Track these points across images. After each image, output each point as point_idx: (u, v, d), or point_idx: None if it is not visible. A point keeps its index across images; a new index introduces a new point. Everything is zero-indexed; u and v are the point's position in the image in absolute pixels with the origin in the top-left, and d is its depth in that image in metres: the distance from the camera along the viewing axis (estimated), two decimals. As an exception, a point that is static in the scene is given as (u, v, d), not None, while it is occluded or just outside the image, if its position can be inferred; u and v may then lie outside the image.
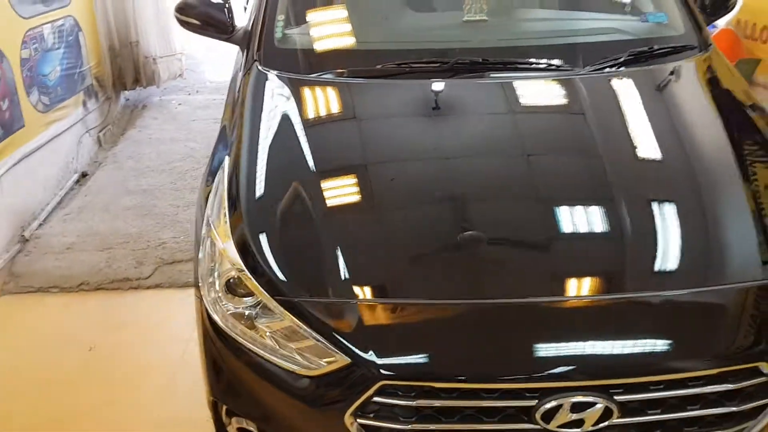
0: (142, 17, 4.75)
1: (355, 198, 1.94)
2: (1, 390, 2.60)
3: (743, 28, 4.45)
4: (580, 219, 1.89)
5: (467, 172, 2.00)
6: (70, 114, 4.04)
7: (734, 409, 1.62)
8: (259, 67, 2.33)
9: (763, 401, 1.64)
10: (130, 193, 3.91)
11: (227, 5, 2.59)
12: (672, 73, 2.34)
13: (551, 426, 1.56)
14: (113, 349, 2.80)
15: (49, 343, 2.84)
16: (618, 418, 1.57)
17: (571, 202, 1.89)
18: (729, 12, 2.80)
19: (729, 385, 1.60)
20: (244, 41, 2.54)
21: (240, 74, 2.44)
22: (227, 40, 2.62)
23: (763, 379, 1.61)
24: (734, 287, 1.70)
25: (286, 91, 2.25)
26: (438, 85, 2.28)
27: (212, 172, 2.16)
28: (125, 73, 4.86)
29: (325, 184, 1.92)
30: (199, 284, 1.86)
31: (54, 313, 3.04)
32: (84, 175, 4.17)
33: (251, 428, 1.84)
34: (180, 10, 2.63)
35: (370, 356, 1.58)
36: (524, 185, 1.96)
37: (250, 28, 2.54)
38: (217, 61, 6.14)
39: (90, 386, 2.60)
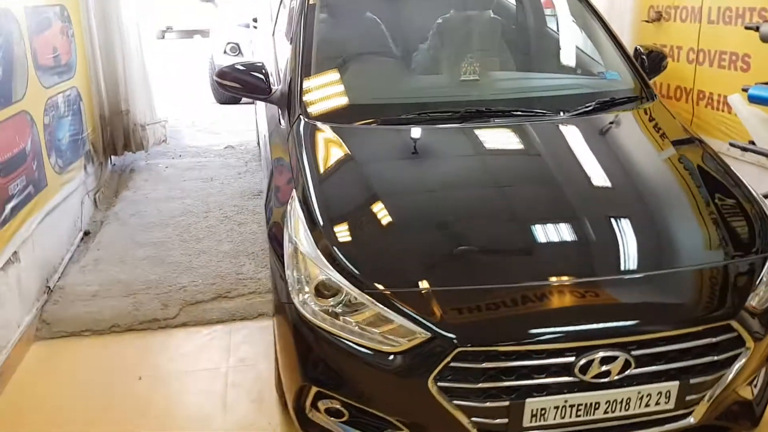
0: (132, 88, 5.16)
1: (409, 214, 2.43)
2: (68, 424, 2.84)
3: (660, 88, 5.26)
4: (613, 223, 2.42)
5: (496, 196, 2.55)
6: (76, 176, 4.35)
7: (716, 358, 2.15)
8: (305, 120, 2.81)
9: (735, 352, 2.18)
10: (141, 245, 4.23)
11: (264, 71, 3.07)
12: (630, 119, 2.98)
13: (587, 377, 2.05)
14: (161, 378, 3.08)
15: (98, 378, 3.08)
16: (634, 369, 2.07)
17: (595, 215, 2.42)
18: (662, 71, 3.50)
19: (711, 339, 2.14)
20: (282, 100, 3.02)
21: (284, 127, 2.92)
22: (266, 100, 3.10)
23: (734, 334, 2.16)
24: (704, 267, 2.27)
25: (332, 136, 2.74)
26: (450, 129, 2.83)
27: (271, 208, 2.66)
28: (116, 140, 5.21)
29: (383, 205, 2.40)
30: (289, 292, 2.27)
31: (93, 353, 3.28)
32: (87, 233, 4.45)
33: (337, 406, 2.24)
34: (220, 75, 3.08)
35: (448, 330, 2.03)
36: (546, 203, 2.50)
37: (287, 89, 3.01)
38: (192, 129, 6.60)
39: (148, 410, 2.87)
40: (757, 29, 3.88)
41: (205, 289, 3.74)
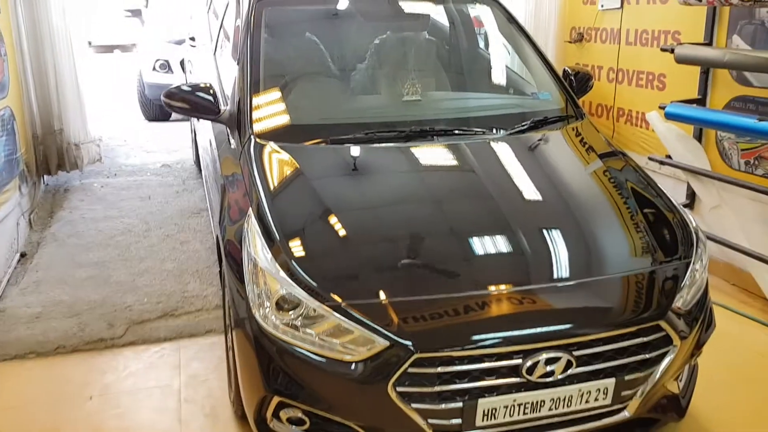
0: (66, 107, 5.09)
1: (363, 228, 2.56)
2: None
3: (582, 106, 5.56)
4: (559, 236, 2.60)
5: (444, 211, 2.71)
6: (11, 197, 4.27)
7: (647, 356, 2.35)
8: (256, 140, 2.90)
9: (664, 350, 2.39)
10: (82, 266, 4.19)
11: (212, 91, 3.13)
12: (564, 136, 3.19)
13: (533, 377, 2.21)
14: (112, 397, 3.07)
15: (46, 399, 3.05)
16: (576, 368, 2.25)
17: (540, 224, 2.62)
18: (588, 91, 3.74)
19: (643, 338, 2.34)
20: (232, 120, 3.09)
21: (234, 146, 3.00)
22: (214, 120, 3.17)
23: (662, 333, 2.37)
24: (635, 273, 2.48)
25: (284, 155, 2.84)
26: (397, 148, 2.97)
27: (225, 226, 2.74)
28: (49, 159, 5.13)
29: (337, 220, 2.52)
30: (250, 307, 2.35)
31: (40, 376, 3.23)
32: (23, 255, 4.37)
33: (299, 415, 2.32)
34: (168, 95, 3.13)
35: (406, 338, 2.15)
36: (495, 217, 2.66)
37: (236, 110, 3.09)
38: (125, 147, 6.53)
39: (101, 430, 2.86)
40: (672, 51, 4.19)
41: (151, 308, 3.75)
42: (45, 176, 5.34)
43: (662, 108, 4.22)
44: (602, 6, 5.17)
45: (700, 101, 4.30)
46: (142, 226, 4.83)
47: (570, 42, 5.60)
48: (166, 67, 8.20)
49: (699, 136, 4.37)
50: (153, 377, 3.23)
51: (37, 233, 4.73)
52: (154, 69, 8.23)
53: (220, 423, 2.89)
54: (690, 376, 2.76)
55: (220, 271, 3.09)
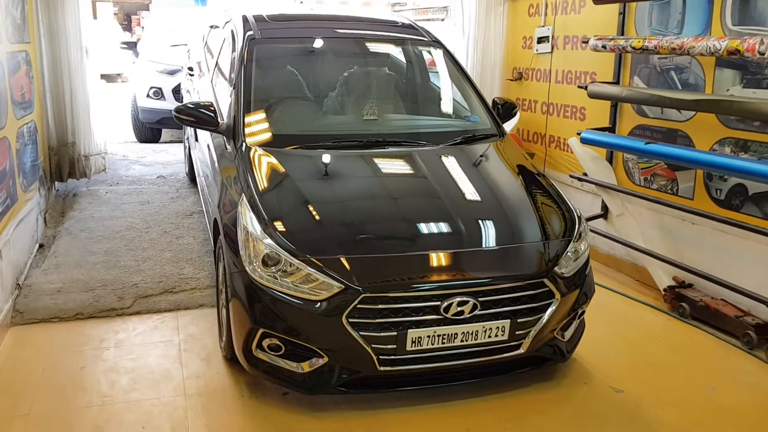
0: (78, 124, 5.92)
1: (330, 211, 3.42)
2: (52, 377, 3.58)
3: (521, 134, 6.52)
4: (470, 216, 3.48)
5: (393, 202, 3.61)
6: (34, 196, 5.06)
7: (534, 305, 3.24)
8: (248, 144, 3.77)
9: (547, 301, 3.27)
10: (94, 254, 4.98)
11: (213, 109, 4.01)
12: (486, 149, 4.10)
13: (449, 315, 3.07)
14: (125, 347, 3.85)
15: (70, 348, 3.81)
16: (480, 310, 3.12)
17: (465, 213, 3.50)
18: (513, 118, 4.67)
19: (531, 291, 3.22)
20: (229, 131, 3.96)
21: (230, 150, 3.87)
22: (214, 130, 4.04)
23: (546, 288, 3.25)
24: (528, 245, 3.38)
25: (270, 157, 3.70)
26: (358, 154, 3.86)
27: (221, 211, 3.60)
28: (62, 168, 5.93)
29: (311, 204, 3.38)
30: (243, 264, 3.18)
31: (64, 334, 3.99)
32: (41, 245, 5.14)
33: (276, 342, 3.15)
34: (178, 111, 4.00)
35: (356, 284, 3.01)
36: (428, 206, 3.56)
37: (232, 122, 3.96)
38: (125, 161, 7.32)
39: (119, 367, 3.64)
40: (585, 88, 5.16)
41: (153, 286, 4.54)
42: (56, 183, 6.12)
43: (579, 134, 5.16)
44: (537, 50, 6.16)
45: (611, 129, 5.26)
46: (143, 225, 5.65)
47: (512, 80, 6.58)
48: (159, 94, 9.04)
49: (610, 158, 5.32)
50: (158, 335, 4.02)
51: (51, 229, 5.51)
52: (148, 95, 9.06)
53: (213, 364, 3.69)
54: (577, 330, 3.63)
55: (215, 250, 3.92)
